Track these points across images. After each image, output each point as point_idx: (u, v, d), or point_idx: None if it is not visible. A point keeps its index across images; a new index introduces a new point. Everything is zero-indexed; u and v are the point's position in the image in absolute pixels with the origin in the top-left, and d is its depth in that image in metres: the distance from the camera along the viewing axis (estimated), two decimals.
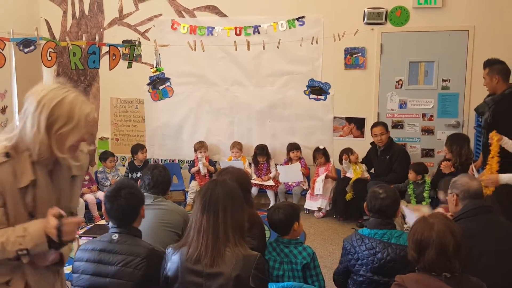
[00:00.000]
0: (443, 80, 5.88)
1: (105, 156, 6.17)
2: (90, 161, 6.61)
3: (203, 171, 6.19)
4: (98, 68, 5.09)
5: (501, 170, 3.81)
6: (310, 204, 5.89)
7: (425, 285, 2.07)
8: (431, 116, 5.98)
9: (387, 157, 5.58)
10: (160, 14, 6.48)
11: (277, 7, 6.15)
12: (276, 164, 6.29)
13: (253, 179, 6.09)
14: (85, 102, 1.86)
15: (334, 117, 6.24)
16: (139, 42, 6.04)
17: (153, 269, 2.32)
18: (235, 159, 6.25)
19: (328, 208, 5.87)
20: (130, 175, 6.25)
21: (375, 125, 5.69)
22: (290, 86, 6.29)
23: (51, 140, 1.76)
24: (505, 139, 3.85)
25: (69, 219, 1.81)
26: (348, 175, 5.69)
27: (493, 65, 4.41)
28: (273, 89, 6.33)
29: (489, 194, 3.65)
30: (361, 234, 2.73)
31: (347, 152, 5.76)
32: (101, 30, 6.66)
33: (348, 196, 5.57)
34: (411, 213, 4.48)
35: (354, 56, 6.05)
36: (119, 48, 5.11)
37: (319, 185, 5.82)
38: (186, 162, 6.65)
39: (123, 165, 6.64)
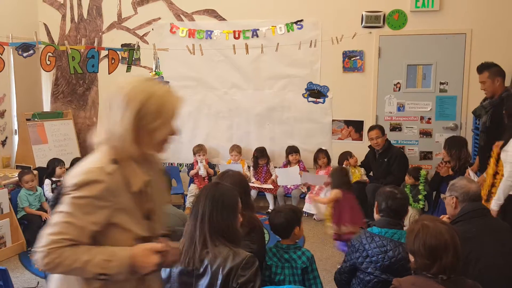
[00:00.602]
0: (441, 83, 5.90)
1: None
2: None
3: (204, 173, 6.19)
4: (97, 72, 5.12)
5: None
6: (309, 207, 5.89)
7: (422, 287, 2.07)
8: (429, 119, 6.00)
9: (385, 160, 5.59)
10: (159, 18, 6.50)
11: (276, 10, 6.17)
12: (275, 167, 6.30)
13: (252, 182, 6.09)
14: (175, 96, 1.73)
15: (333, 120, 6.26)
16: (138, 46, 6.08)
17: None
18: (234, 162, 6.26)
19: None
20: None
21: (371, 128, 5.71)
22: (289, 89, 6.30)
23: (140, 135, 1.65)
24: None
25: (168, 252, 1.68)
26: None
27: (491, 68, 4.43)
28: (271, 92, 6.35)
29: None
30: (371, 232, 2.75)
31: (346, 155, 5.78)
32: (100, 34, 6.67)
33: None
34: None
35: (352, 59, 6.07)
36: (118, 52, 5.13)
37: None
38: (185, 165, 6.65)
39: None
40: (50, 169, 5.55)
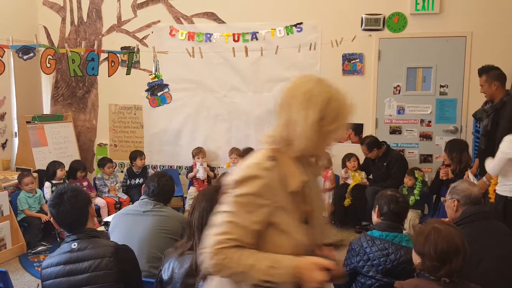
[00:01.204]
0: (441, 86, 5.90)
1: (103, 162, 6.16)
2: (88, 168, 6.61)
3: (203, 176, 6.18)
4: (97, 74, 5.13)
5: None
6: None
7: None
8: (429, 121, 5.99)
9: (384, 164, 5.59)
10: (159, 21, 6.50)
11: (275, 13, 6.17)
12: None
13: None
14: (349, 101, 1.69)
15: None
16: (138, 49, 6.08)
17: (125, 263, 2.31)
18: (233, 165, 6.25)
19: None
20: (128, 181, 6.26)
21: (361, 143, 5.74)
22: None
23: (319, 137, 1.60)
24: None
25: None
26: (347, 181, 5.71)
27: (489, 72, 4.43)
28: (271, 95, 6.33)
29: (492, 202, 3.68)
30: (371, 235, 2.74)
31: (349, 157, 5.78)
32: (100, 36, 6.67)
33: (347, 202, 5.58)
34: None
35: (352, 62, 6.07)
36: (117, 54, 5.13)
37: None
38: (185, 168, 6.65)
39: (122, 171, 6.63)
40: (51, 172, 5.55)
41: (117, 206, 5.85)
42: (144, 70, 6.50)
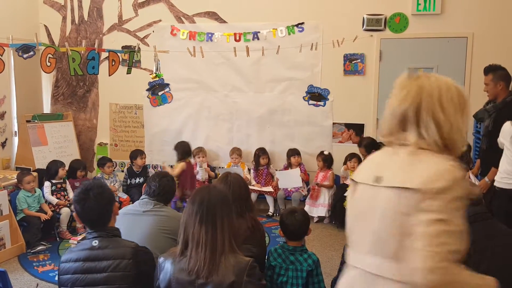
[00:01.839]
0: None
1: (103, 162, 6.14)
2: (88, 167, 6.60)
3: (204, 176, 6.17)
4: (97, 74, 5.10)
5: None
6: (310, 210, 5.87)
7: None
8: None
9: None
10: (160, 20, 6.49)
11: (277, 13, 6.16)
12: (276, 170, 6.28)
13: (252, 185, 6.08)
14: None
15: (333, 123, 6.24)
16: (139, 48, 6.07)
17: (143, 265, 2.31)
18: (234, 165, 6.24)
19: (327, 215, 5.87)
20: (128, 180, 6.25)
21: (358, 145, 5.83)
22: (290, 92, 6.29)
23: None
24: None
25: None
26: (347, 181, 5.70)
27: (497, 71, 4.42)
28: (272, 95, 6.34)
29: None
30: None
31: (350, 157, 5.79)
32: (101, 35, 6.67)
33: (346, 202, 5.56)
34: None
35: (353, 62, 6.06)
36: (118, 54, 5.11)
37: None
38: None
39: (122, 171, 6.63)
40: (53, 171, 5.52)
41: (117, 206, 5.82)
42: (145, 69, 6.49)
